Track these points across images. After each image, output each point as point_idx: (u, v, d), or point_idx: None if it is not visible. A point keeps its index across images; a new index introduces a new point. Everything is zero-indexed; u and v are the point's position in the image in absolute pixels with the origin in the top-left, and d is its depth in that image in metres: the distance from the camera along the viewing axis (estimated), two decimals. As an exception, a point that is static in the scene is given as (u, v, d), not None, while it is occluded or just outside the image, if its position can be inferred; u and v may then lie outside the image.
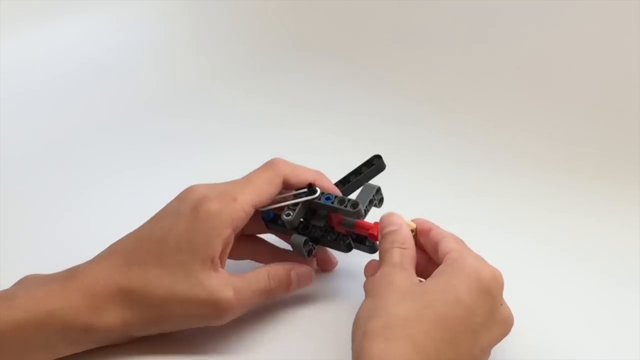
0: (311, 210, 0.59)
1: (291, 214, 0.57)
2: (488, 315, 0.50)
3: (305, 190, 0.58)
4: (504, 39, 0.88)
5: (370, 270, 0.57)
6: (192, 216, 0.55)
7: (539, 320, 0.59)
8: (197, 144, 0.83)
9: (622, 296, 0.63)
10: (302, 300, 0.61)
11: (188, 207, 0.56)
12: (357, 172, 0.61)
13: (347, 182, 0.61)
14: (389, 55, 0.94)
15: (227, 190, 0.57)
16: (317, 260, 0.63)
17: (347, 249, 0.59)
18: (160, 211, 0.58)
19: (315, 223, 0.59)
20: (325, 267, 0.63)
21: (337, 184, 0.60)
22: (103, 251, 0.57)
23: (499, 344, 0.53)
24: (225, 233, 0.55)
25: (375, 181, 0.61)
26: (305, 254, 0.59)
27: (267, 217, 0.59)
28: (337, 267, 0.64)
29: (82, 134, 0.86)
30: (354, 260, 0.61)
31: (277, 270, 0.57)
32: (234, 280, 0.56)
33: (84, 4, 0.98)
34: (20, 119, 0.86)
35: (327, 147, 0.80)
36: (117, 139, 0.85)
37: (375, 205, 0.60)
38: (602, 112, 0.80)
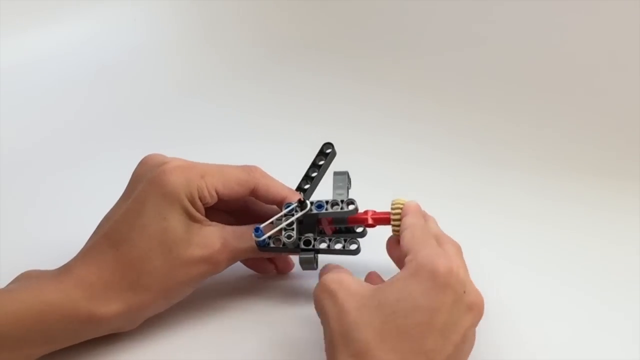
0: (298, 220, 0.59)
1: (292, 234, 0.58)
2: (452, 310, 0.50)
3: (293, 207, 0.58)
4: (505, 35, 0.88)
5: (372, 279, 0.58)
6: (161, 179, 0.56)
7: (540, 318, 0.60)
8: (197, 144, 0.84)
9: (625, 293, 0.63)
10: (303, 298, 0.62)
11: (158, 173, 0.56)
12: (315, 165, 0.62)
13: (310, 179, 0.61)
14: (392, 52, 0.95)
15: (197, 165, 0.58)
16: (276, 265, 0.63)
17: (355, 253, 0.59)
18: (128, 184, 0.58)
19: (309, 232, 0.59)
20: (286, 269, 0.64)
21: (301, 182, 0.61)
22: (87, 242, 0.57)
23: (499, 342, 0.53)
24: (193, 185, 0.56)
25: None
26: (316, 267, 0.59)
27: (262, 244, 0.58)
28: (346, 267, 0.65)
29: (84, 134, 0.87)
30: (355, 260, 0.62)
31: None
32: (221, 231, 0.57)
33: (86, 4, 0.99)
34: (21, 119, 0.87)
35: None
36: (118, 140, 0.85)
37: (349, 189, 0.60)
38: (604, 109, 0.81)
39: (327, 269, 0.56)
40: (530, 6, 0.86)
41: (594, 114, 0.80)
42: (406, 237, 0.54)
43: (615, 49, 0.81)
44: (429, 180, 0.76)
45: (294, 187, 0.61)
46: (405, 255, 0.53)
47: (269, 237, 0.58)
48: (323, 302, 0.52)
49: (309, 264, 0.59)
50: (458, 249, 0.56)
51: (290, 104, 0.91)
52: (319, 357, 0.51)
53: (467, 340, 0.51)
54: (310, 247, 0.58)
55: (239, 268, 0.63)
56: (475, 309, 0.51)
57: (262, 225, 0.57)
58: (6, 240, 0.68)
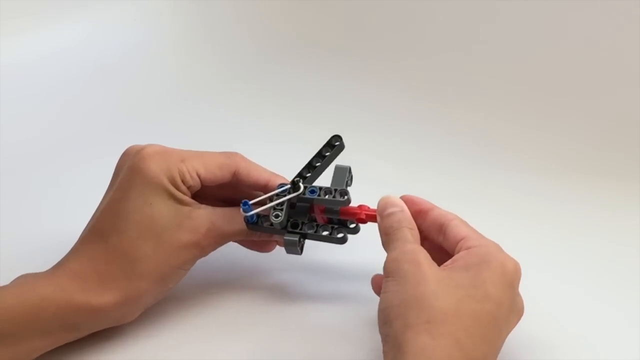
0: (290, 205, 0.59)
1: (280, 214, 0.57)
2: (509, 308, 0.51)
3: (286, 188, 0.58)
4: (506, 36, 0.88)
5: (378, 281, 0.57)
6: (139, 167, 0.56)
7: (540, 317, 0.60)
8: (197, 144, 0.83)
9: (625, 293, 0.63)
10: (307, 300, 0.62)
11: (136, 160, 0.56)
12: (320, 155, 0.61)
13: (313, 167, 0.60)
14: (392, 52, 0.95)
15: (175, 150, 0.58)
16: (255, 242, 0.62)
17: (342, 242, 0.58)
18: (111, 177, 0.58)
19: (300, 218, 0.59)
20: (266, 248, 0.63)
21: (303, 169, 0.60)
22: (79, 237, 0.57)
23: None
24: (174, 169, 0.56)
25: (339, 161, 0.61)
26: (300, 251, 0.59)
27: (250, 220, 0.58)
28: (340, 268, 0.65)
29: (83, 134, 0.87)
30: (356, 261, 0.62)
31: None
32: (210, 214, 0.57)
33: (86, 4, 0.99)
34: (21, 119, 0.87)
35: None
36: (117, 139, 0.84)
37: (348, 185, 0.60)
38: (604, 109, 0.80)
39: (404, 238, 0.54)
40: (530, 6, 0.86)
41: (594, 115, 0.80)
42: (459, 225, 0.55)
43: (616, 49, 0.81)
44: (429, 181, 0.76)
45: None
46: (459, 240, 0.53)
47: (258, 215, 0.58)
48: (404, 265, 0.51)
49: (293, 247, 0.58)
50: None
51: (290, 104, 0.91)
52: (316, 353, 0.50)
53: (504, 341, 0.52)
54: (297, 230, 0.58)
55: (237, 265, 0.63)
56: (519, 315, 0.53)
57: (251, 202, 0.57)
58: (4, 240, 0.68)
